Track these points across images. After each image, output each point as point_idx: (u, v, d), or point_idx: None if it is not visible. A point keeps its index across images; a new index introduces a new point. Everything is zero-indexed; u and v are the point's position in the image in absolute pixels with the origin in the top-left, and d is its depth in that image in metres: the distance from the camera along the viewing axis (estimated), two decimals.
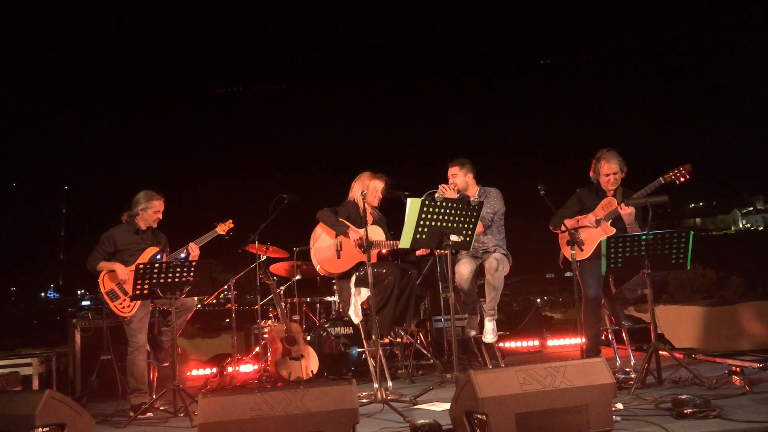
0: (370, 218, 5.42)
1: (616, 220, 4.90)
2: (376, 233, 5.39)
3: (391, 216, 5.61)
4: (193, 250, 5.20)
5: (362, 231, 5.29)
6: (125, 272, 4.87)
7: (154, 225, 5.20)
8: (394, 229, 5.44)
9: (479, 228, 5.17)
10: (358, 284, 5.30)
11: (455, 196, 5.16)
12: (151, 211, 5.14)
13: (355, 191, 5.49)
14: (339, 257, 5.33)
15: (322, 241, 5.41)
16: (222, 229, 5.45)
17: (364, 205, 5.42)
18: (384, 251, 5.37)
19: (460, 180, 5.33)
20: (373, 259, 4.94)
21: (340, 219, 5.38)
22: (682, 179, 4.70)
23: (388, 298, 5.10)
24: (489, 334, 5.13)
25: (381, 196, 5.46)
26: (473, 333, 5.27)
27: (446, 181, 5.31)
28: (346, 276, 5.37)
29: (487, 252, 5.24)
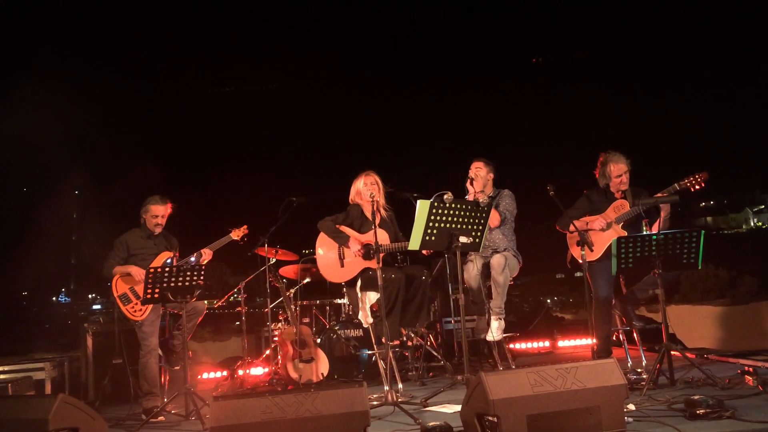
0: (377, 217, 5.35)
1: (628, 223, 4.87)
2: (379, 236, 5.31)
3: (398, 218, 5.60)
4: (206, 254, 5.21)
5: (364, 238, 5.28)
6: (141, 273, 4.84)
7: (156, 230, 5.13)
8: (402, 231, 5.43)
9: (496, 220, 5.15)
10: (363, 288, 5.28)
11: (481, 188, 5.20)
12: (149, 215, 5.10)
13: (353, 194, 5.48)
14: (343, 266, 5.33)
15: (325, 251, 5.41)
16: (236, 234, 5.47)
17: (373, 207, 5.37)
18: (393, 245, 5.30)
19: (482, 175, 5.29)
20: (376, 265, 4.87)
21: (343, 226, 5.38)
22: (697, 187, 4.67)
23: (393, 305, 5.05)
24: (493, 333, 5.09)
25: (372, 190, 5.12)
26: (483, 335, 5.25)
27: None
28: (352, 282, 5.36)
29: (497, 252, 5.22)
